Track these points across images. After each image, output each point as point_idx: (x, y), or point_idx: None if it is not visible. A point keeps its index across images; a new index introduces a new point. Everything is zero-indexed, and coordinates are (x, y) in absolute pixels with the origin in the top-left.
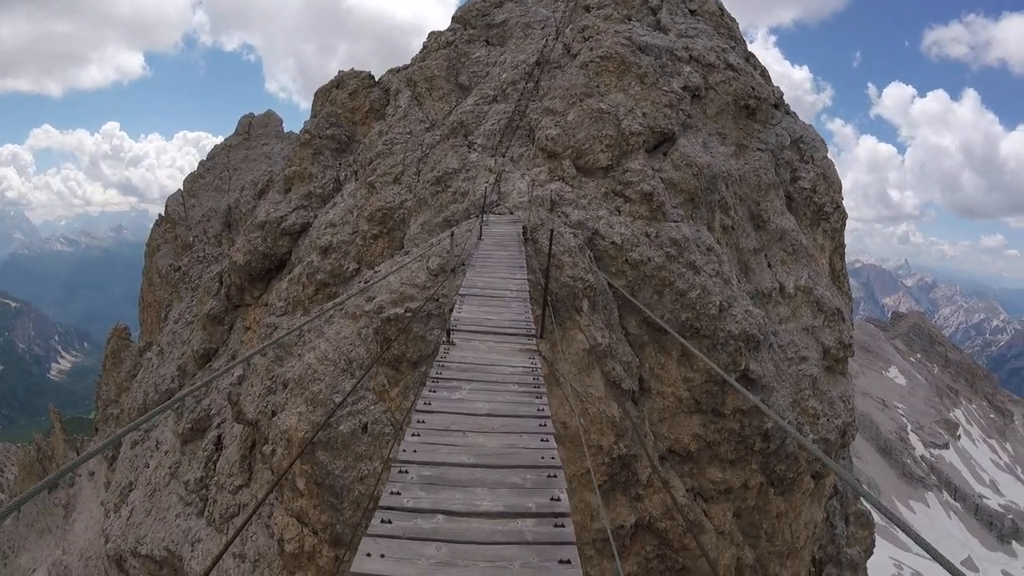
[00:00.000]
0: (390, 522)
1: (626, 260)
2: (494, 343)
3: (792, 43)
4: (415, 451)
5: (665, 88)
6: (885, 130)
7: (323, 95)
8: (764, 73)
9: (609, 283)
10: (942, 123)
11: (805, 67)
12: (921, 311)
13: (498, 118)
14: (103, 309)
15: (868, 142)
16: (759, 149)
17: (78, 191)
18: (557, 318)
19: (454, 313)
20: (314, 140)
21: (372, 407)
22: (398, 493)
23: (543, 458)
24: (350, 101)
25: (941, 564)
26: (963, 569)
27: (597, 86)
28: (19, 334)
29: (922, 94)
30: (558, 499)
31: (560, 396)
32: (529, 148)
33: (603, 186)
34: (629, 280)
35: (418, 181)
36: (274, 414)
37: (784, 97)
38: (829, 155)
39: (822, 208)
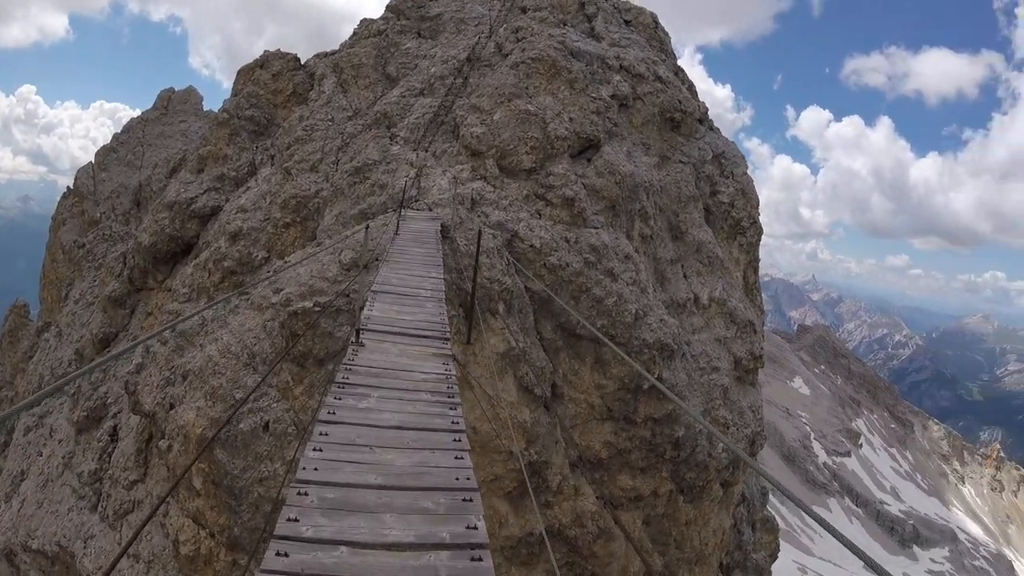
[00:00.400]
0: (287, 555)
1: (544, 264)
2: (406, 345)
3: (718, 62)
4: (316, 469)
5: (594, 95)
6: (800, 151)
7: (246, 74)
8: (691, 88)
9: (526, 286)
10: (855, 147)
11: (728, 86)
12: (826, 324)
13: (423, 112)
14: (4, 283)
15: (783, 161)
16: (681, 161)
17: None
18: (471, 320)
19: (365, 311)
20: (232, 120)
21: (275, 405)
22: (296, 520)
23: (457, 479)
24: (273, 82)
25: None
26: (886, 567)
27: (526, 87)
28: None
29: (838, 119)
30: (475, 527)
31: (472, 400)
32: (453, 145)
33: (525, 188)
34: (547, 284)
35: (336, 170)
36: (172, 407)
37: (708, 113)
38: (748, 172)
39: (739, 222)
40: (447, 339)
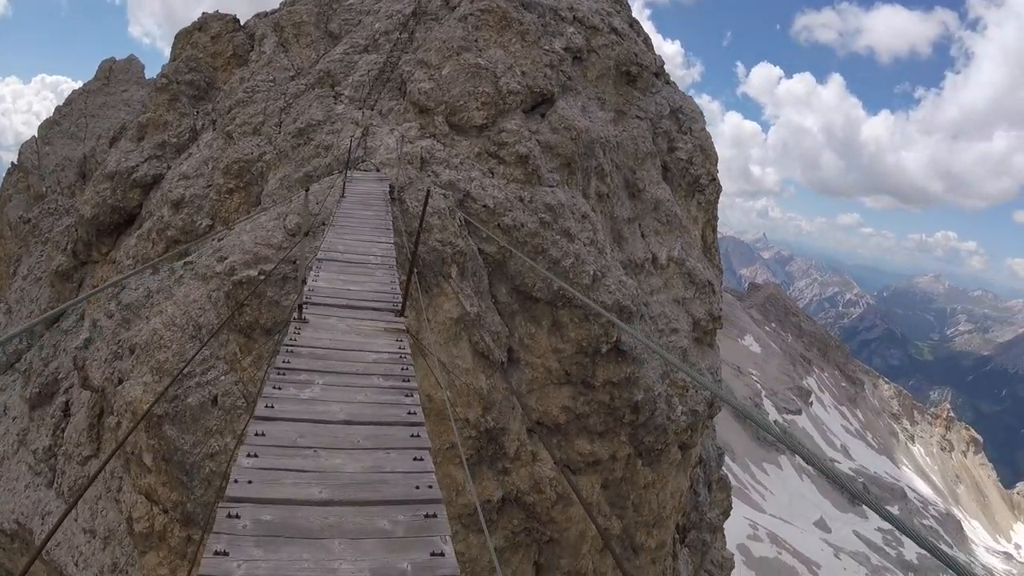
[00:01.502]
0: None
1: (498, 225)
2: (355, 320)
3: (666, 17)
4: (250, 482)
5: (547, 47)
6: (750, 108)
7: (184, 38)
8: (647, 40)
9: (480, 248)
10: (806, 105)
11: (677, 42)
12: (777, 283)
13: (368, 69)
14: None
15: (733, 118)
16: (638, 117)
17: None
18: (424, 284)
19: (309, 282)
20: (171, 85)
21: (223, 377)
22: (225, 554)
23: (418, 487)
24: (212, 45)
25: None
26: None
27: (476, 40)
28: None
29: (789, 76)
30: (441, 553)
31: (425, 368)
32: (400, 102)
33: (476, 146)
34: (501, 246)
35: (279, 133)
36: (120, 382)
37: (664, 67)
38: (706, 127)
39: (698, 180)
40: (400, 312)
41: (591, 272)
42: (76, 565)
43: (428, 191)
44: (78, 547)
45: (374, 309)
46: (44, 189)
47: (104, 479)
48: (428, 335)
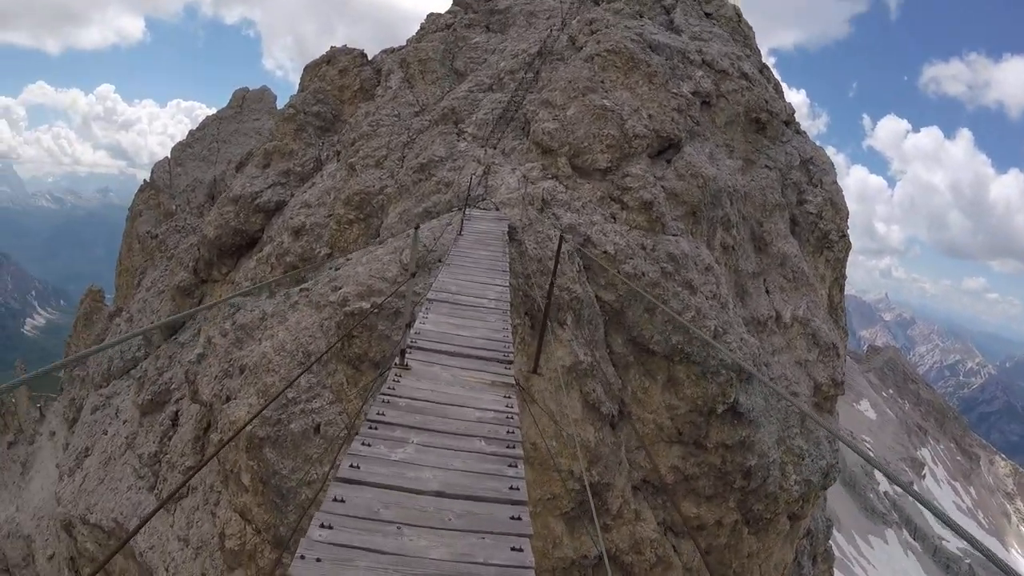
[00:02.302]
0: None
1: (618, 272)
2: (461, 370)
3: (792, 66)
4: (319, 560)
5: (674, 91)
6: (876, 162)
7: (313, 70)
8: (777, 87)
9: (598, 296)
10: (934, 160)
11: (803, 91)
12: (897, 347)
13: (492, 107)
14: (83, 269)
15: (859, 172)
16: (767, 166)
17: (68, 150)
18: (537, 330)
19: (416, 324)
20: (298, 115)
21: (328, 407)
22: None
23: None
24: (339, 78)
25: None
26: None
27: (602, 81)
28: None
29: (916, 129)
30: None
31: (532, 414)
32: (523, 142)
33: (599, 189)
34: (620, 294)
35: (401, 167)
36: (228, 400)
37: (795, 115)
38: (837, 181)
39: (827, 235)
40: (510, 362)
41: (712, 327)
42: (167, 570)
43: (561, 237)
44: (171, 553)
45: (483, 359)
46: (174, 207)
47: (203, 491)
48: (538, 382)
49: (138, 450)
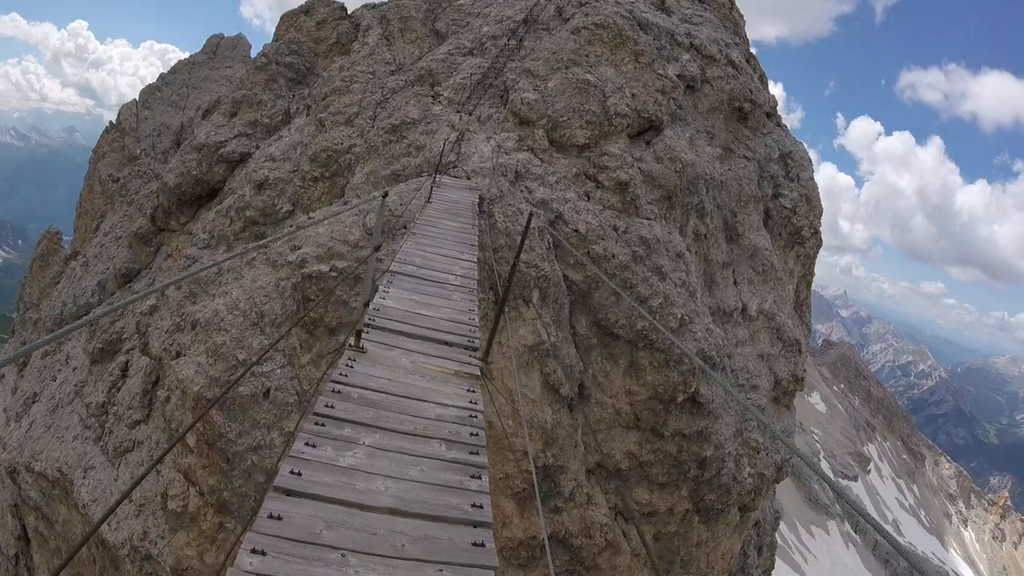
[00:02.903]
0: None
1: (588, 252)
2: (422, 355)
3: (771, 59)
4: None
5: (660, 72)
6: (846, 161)
7: (289, 20)
8: (763, 78)
9: (565, 275)
10: (903, 164)
11: (780, 84)
12: (852, 343)
13: (471, 72)
14: (43, 209)
15: (828, 169)
16: (746, 157)
17: (36, 85)
18: (496, 325)
19: (376, 298)
20: (270, 65)
21: (278, 371)
22: None
23: None
24: (316, 30)
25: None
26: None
27: (587, 55)
28: None
29: (889, 132)
30: None
31: (490, 392)
32: (500, 110)
33: (575, 166)
34: (588, 275)
35: (372, 126)
36: (178, 355)
37: (777, 107)
38: (814, 177)
39: (799, 231)
40: (476, 349)
41: (679, 315)
42: (108, 525)
43: (531, 214)
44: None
45: (446, 343)
46: (138, 152)
47: (149, 447)
48: (499, 359)
49: (86, 399)
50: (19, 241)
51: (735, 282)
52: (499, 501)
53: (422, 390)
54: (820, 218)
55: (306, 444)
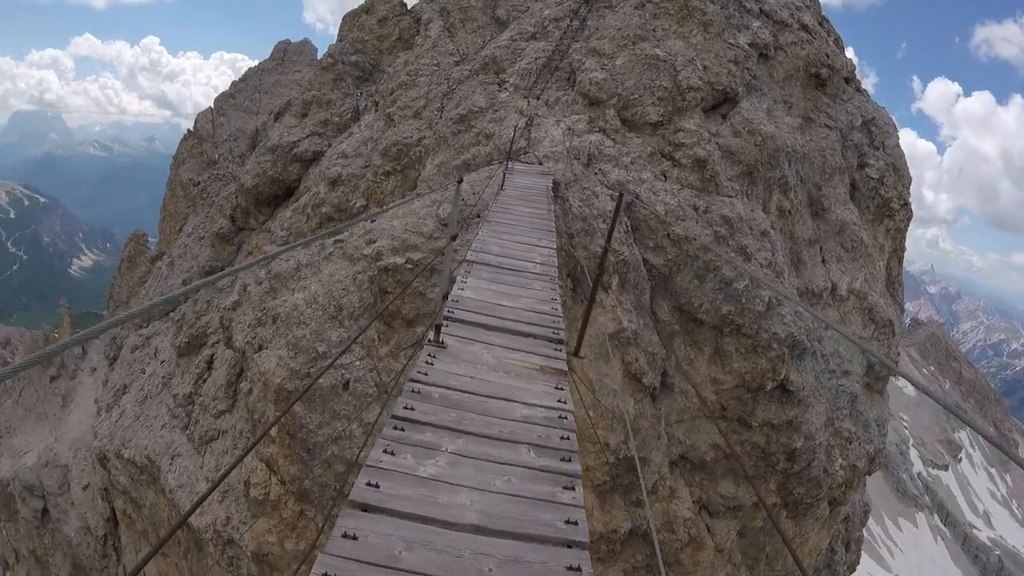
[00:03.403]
0: None
1: (668, 235)
2: (504, 349)
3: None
4: None
5: (731, 41)
6: (926, 127)
7: (351, 20)
8: (838, 41)
9: (645, 259)
10: (985, 126)
11: (850, 49)
12: (941, 322)
13: (536, 56)
14: (128, 214)
15: (908, 136)
16: (827, 126)
17: (115, 100)
18: (580, 293)
19: (454, 290)
20: (336, 65)
21: (357, 363)
22: None
23: None
24: (379, 28)
25: None
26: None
27: (653, 30)
28: (45, 228)
29: (967, 93)
30: None
31: (570, 382)
32: (568, 93)
33: (650, 144)
34: (669, 258)
35: (440, 118)
36: (260, 348)
37: (855, 71)
38: (900, 144)
39: (888, 203)
40: (562, 341)
41: (766, 298)
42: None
43: (620, 196)
44: (198, 493)
45: (529, 336)
46: (216, 156)
47: (233, 436)
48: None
49: (173, 390)
50: (107, 244)
51: (823, 260)
52: None
53: (507, 388)
54: (909, 188)
55: (384, 451)
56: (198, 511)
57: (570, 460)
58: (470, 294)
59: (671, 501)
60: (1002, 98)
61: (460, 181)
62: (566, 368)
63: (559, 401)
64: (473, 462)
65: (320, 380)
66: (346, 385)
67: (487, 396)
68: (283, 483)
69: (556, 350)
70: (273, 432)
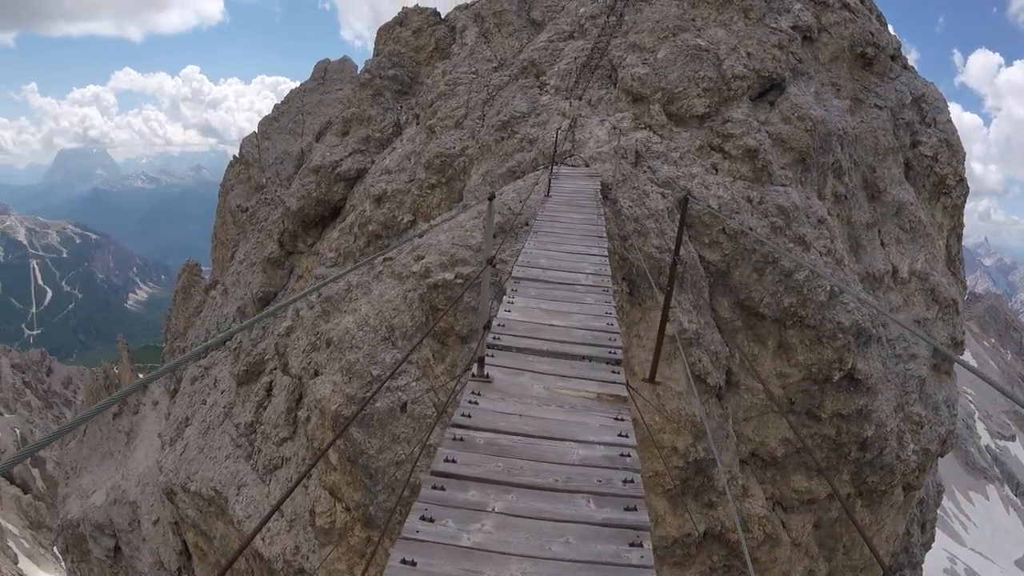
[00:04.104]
0: None
1: (723, 229)
2: (555, 377)
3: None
4: None
5: (773, 26)
6: (970, 99)
7: (386, 33)
8: (880, 17)
9: (701, 256)
10: None
11: (890, 27)
12: (998, 293)
13: (575, 56)
14: (180, 244)
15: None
16: (877, 106)
17: (159, 131)
18: (636, 296)
19: (500, 311)
20: (374, 80)
21: (413, 384)
22: None
23: None
24: (414, 39)
25: None
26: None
27: (693, 19)
28: (99, 265)
29: (1009, 63)
30: None
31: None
32: (610, 91)
33: (698, 138)
34: (725, 253)
35: (482, 126)
36: (316, 374)
37: (901, 48)
38: (952, 119)
39: (944, 180)
40: (619, 361)
41: (827, 287)
42: (263, 540)
43: (686, 198)
44: (267, 524)
45: (583, 357)
46: (264, 180)
47: (296, 463)
48: (638, 353)
49: (235, 420)
50: (162, 276)
51: (882, 243)
52: (650, 500)
53: (561, 425)
54: (963, 163)
55: (422, 518)
56: (267, 541)
57: (636, 509)
58: (517, 316)
59: (744, 500)
60: None
61: (492, 197)
62: (626, 393)
63: (620, 435)
64: (524, 522)
65: (376, 404)
66: (404, 407)
67: (539, 437)
68: (348, 510)
69: (614, 372)
70: (334, 460)
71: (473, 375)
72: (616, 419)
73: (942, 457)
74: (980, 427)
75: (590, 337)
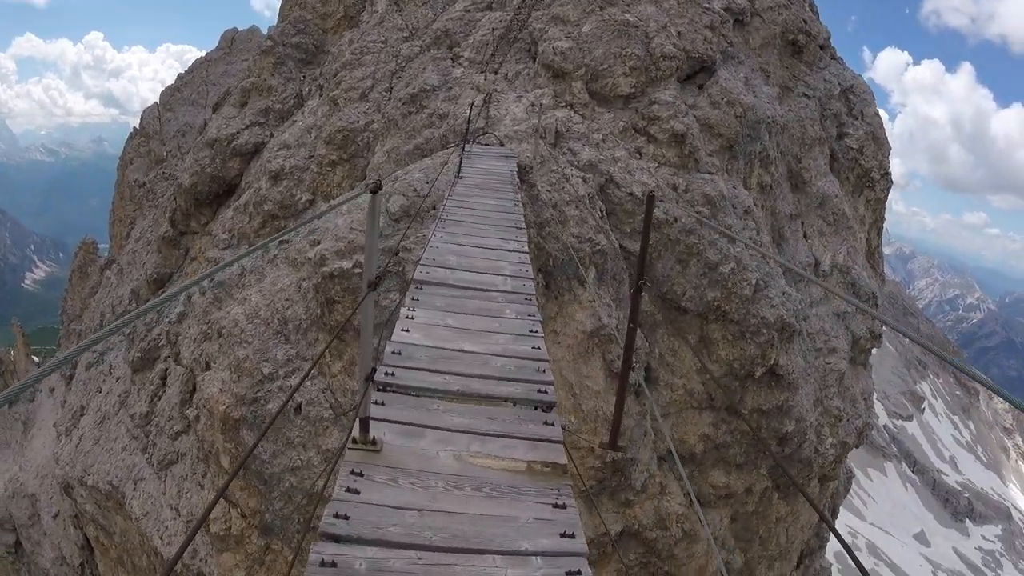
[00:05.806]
0: None
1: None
2: (471, 437)
3: None
4: None
5: (706, 6)
6: (877, 95)
7: None
8: (812, 6)
9: (622, 246)
10: (934, 93)
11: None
12: (897, 280)
13: (492, 27)
14: (80, 220)
15: None
16: (805, 95)
17: (59, 101)
18: (553, 289)
19: (396, 331)
20: (277, 48)
21: (309, 383)
22: None
23: None
24: (321, 6)
25: None
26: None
27: None
28: None
29: (917, 62)
30: None
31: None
32: (529, 65)
33: (622, 119)
34: (649, 244)
35: (389, 99)
36: (207, 366)
37: (830, 39)
38: (879, 112)
39: (868, 173)
40: (552, 404)
41: (753, 281)
42: (161, 539)
43: (651, 196)
44: (164, 522)
45: (508, 400)
46: (164, 154)
47: (191, 460)
48: (555, 350)
49: (131, 410)
50: (60, 254)
51: (805, 235)
52: None
53: (479, 526)
54: (888, 157)
55: None
56: (166, 541)
57: None
58: (417, 337)
59: (662, 498)
60: (951, 66)
61: (376, 190)
62: (564, 458)
63: (563, 536)
64: None
65: (268, 405)
66: (298, 409)
67: (448, 550)
68: (244, 516)
69: (546, 424)
70: (225, 464)
71: (354, 440)
72: (555, 505)
73: (858, 447)
74: (879, 407)
75: (512, 368)
